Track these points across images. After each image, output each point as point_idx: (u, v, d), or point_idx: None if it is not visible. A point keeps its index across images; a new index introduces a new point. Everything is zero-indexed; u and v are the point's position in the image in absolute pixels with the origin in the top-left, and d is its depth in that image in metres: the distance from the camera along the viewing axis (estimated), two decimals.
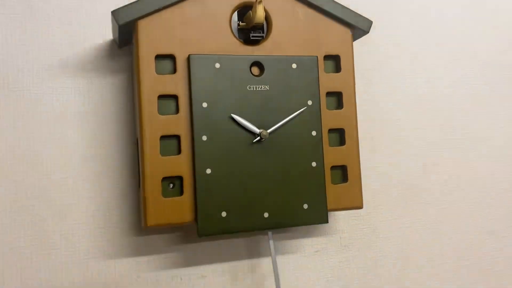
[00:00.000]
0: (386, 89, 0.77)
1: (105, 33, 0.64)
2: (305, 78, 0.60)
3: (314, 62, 0.61)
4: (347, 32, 0.64)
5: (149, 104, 0.55)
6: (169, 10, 0.56)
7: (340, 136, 0.63)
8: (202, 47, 0.57)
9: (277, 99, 0.59)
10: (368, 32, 0.64)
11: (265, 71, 0.59)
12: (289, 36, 0.61)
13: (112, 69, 0.64)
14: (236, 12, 0.60)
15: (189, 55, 0.56)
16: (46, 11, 0.63)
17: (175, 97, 0.57)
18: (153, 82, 0.55)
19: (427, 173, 0.78)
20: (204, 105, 0.56)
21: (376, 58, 0.77)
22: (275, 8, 0.61)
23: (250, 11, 0.57)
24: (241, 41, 0.59)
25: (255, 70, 0.60)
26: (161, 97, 0.56)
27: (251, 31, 0.59)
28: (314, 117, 0.60)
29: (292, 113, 0.59)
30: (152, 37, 0.55)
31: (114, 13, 0.54)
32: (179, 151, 0.56)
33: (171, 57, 0.57)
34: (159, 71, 0.56)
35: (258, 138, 0.57)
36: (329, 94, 0.63)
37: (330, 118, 0.62)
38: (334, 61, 0.64)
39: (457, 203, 0.79)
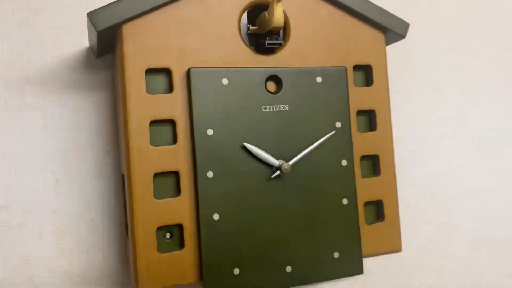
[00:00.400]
0: (417, 105, 0.66)
1: (81, 39, 0.52)
2: (332, 95, 0.49)
3: (343, 74, 0.49)
4: (379, 37, 0.52)
5: (139, 132, 0.43)
6: (162, 12, 0.44)
7: (373, 164, 0.52)
8: (205, 58, 0.45)
9: (299, 122, 0.47)
10: (404, 37, 0.52)
11: (283, 87, 0.47)
12: (311, 42, 0.49)
13: (88, 86, 0.51)
14: (245, 14, 0.48)
15: (189, 69, 0.44)
16: (4, 9, 0.50)
17: (171, 123, 0.44)
18: (143, 104, 0.43)
19: (466, 207, 0.67)
20: (209, 132, 0.44)
21: (405, 66, 0.66)
22: (293, 8, 0.49)
23: (265, 12, 0.45)
24: (252, 50, 0.47)
25: (271, 86, 0.48)
26: (154, 123, 0.44)
27: (266, 37, 0.47)
28: (344, 143, 0.49)
29: (318, 139, 0.47)
30: (141, 46, 0.43)
31: (91, 15, 0.41)
32: (178, 192, 0.44)
33: (166, 72, 0.45)
34: (150, 90, 0.44)
35: (278, 172, 0.45)
36: (360, 113, 0.52)
37: (362, 142, 0.51)
38: (365, 72, 0.52)
39: (493, 238, 0.69)
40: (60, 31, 0.51)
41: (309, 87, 0.48)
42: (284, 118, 0.47)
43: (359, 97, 0.51)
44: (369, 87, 0.51)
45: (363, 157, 0.51)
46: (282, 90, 0.47)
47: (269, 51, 0.48)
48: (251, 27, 0.48)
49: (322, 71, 0.48)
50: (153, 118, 0.43)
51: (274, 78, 0.47)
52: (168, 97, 0.44)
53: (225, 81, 0.45)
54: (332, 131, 0.48)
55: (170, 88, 0.44)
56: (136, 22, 0.43)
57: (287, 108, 0.47)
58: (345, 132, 0.49)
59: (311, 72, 0.48)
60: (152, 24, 0.43)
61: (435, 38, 0.68)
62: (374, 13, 0.51)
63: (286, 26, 0.49)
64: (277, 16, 0.45)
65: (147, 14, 0.43)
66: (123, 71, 0.43)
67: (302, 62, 0.49)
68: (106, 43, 0.46)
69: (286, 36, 0.48)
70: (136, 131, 0.43)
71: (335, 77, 0.49)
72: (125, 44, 0.43)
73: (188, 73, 0.44)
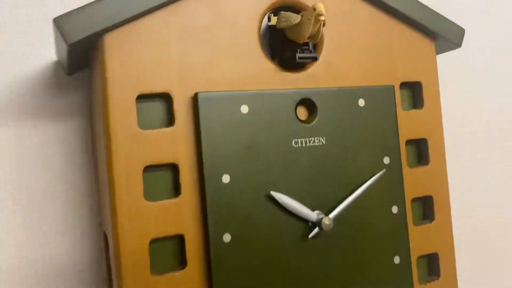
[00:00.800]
0: (467, 130, 0.55)
1: (48, 51, 0.39)
2: (378, 122, 0.38)
3: (390, 95, 0.38)
4: (430, 46, 0.41)
5: (128, 182, 0.31)
6: (158, 17, 0.32)
7: (425, 207, 0.41)
8: (216, 78, 0.33)
9: (339, 160, 0.36)
10: (460, 45, 0.42)
11: (318, 114, 0.36)
12: (350, 53, 0.38)
13: (56, 112, 0.39)
14: (266, 17, 0.37)
15: (195, 94, 0.32)
16: None
17: (173, 168, 0.33)
18: (133, 143, 0.31)
19: None
20: (225, 179, 0.32)
21: (455, 80, 0.55)
22: (326, 10, 0.37)
23: (294, 17, 0.34)
24: (277, 65, 0.35)
25: (303, 112, 0.36)
26: (149, 169, 0.32)
27: (295, 48, 0.36)
28: (394, 184, 0.38)
29: (364, 181, 0.36)
30: (131, 63, 0.31)
31: (60, 22, 0.29)
32: (183, 264, 0.32)
33: (165, 98, 0.33)
34: (144, 124, 0.32)
35: (316, 229, 0.34)
36: (409, 143, 0.41)
37: (412, 180, 0.40)
38: (413, 92, 0.41)
39: None
40: (20, 41, 0.39)
41: (350, 113, 0.37)
42: (320, 155, 0.35)
43: (408, 123, 0.40)
44: (419, 110, 0.41)
45: (414, 199, 0.40)
46: (316, 117, 0.36)
47: (297, 66, 0.36)
48: (272, 17, 0.36)
49: (365, 92, 0.37)
50: (148, 163, 0.31)
51: (306, 103, 0.36)
52: (167, 132, 0.32)
53: (244, 109, 0.33)
54: (380, 169, 0.37)
55: (170, 120, 0.33)
56: (123, 30, 0.31)
57: (324, 142, 0.36)
58: (395, 170, 0.38)
59: (352, 93, 0.37)
60: (145, 33, 0.32)
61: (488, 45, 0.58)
62: (424, 16, 0.40)
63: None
64: (316, 32, 0.34)
65: (138, 20, 0.32)
66: (106, 98, 0.31)
67: (339, 80, 0.37)
68: (82, 57, 0.34)
69: (317, 45, 0.37)
70: (124, 181, 0.31)
71: (381, 99, 0.38)
72: (108, 62, 0.31)
73: (195, 99, 0.32)
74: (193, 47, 0.33)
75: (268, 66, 0.35)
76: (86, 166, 0.40)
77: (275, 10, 0.36)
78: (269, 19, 0.36)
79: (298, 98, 0.35)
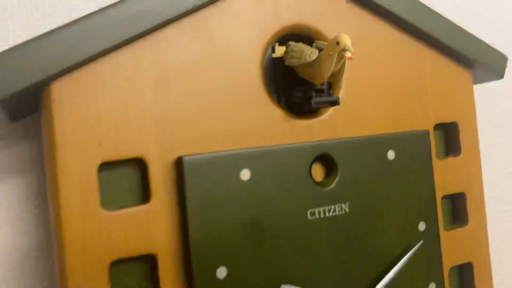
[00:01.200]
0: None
1: None
2: (411, 178, 0.30)
3: (425, 142, 0.30)
4: (466, 77, 0.34)
5: (87, 283, 0.22)
6: (126, 53, 0.23)
7: (462, 277, 0.34)
8: (207, 133, 0.25)
9: (366, 232, 0.28)
10: (502, 77, 0.34)
11: (339, 173, 0.28)
12: (374, 93, 0.30)
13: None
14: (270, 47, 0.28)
15: (179, 158, 0.24)
16: None
17: (149, 260, 0.24)
18: (94, 231, 0.22)
19: None
20: (221, 273, 0.24)
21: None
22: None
23: (304, 51, 0.26)
24: (284, 111, 0.27)
25: (319, 171, 0.28)
26: (118, 263, 0.23)
27: (310, 89, 0.27)
28: (431, 255, 0.30)
29: (397, 258, 0.29)
30: (89, 121, 0.23)
31: None
32: None
33: (138, 165, 0.24)
34: (109, 202, 0.24)
35: None
36: (444, 198, 0.33)
37: (449, 246, 0.32)
38: (448, 134, 0.34)
39: None
40: None
41: (377, 169, 0.29)
42: (343, 228, 0.27)
43: (444, 175, 0.32)
44: (456, 157, 0.33)
45: (451, 268, 0.33)
46: (337, 178, 0.27)
47: (311, 111, 0.28)
48: (277, 47, 0.28)
49: (395, 141, 0.29)
50: (115, 257, 0.23)
51: (323, 159, 0.28)
52: (141, 212, 0.23)
53: (245, 174, 0.25)
54: (415, 238, 0.29)
55: (144, 195, 0.24)
56: (77, 75, 0.22)
57: (347, 210, 0.28)
58: (433, 238, 0.30)
59: (379, 144, 0.29)
60: (108, 79, 0.23)
61: None
62: (461, 41, 0.32)
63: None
64: (338, 71, 0.26)
65: (98, 60, 0.23)
66: (54, 170, 0.22)
67: (362, 126, 0.29)
68: (27, 103, 0.26)
69: (334, 83, 0.29)
70: (81, 282, 0.22)
71: (414, 148, 0.30)
72: (57, 121, 0.22)
73: (178, 164, 0.24)
74: (175, 93, 0.24)
75: (274, 113, 0.27)
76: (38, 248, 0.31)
77: (281, 39, 0.28)
78: (273, 50, 0.28)
79: (313, 155, 0.27)
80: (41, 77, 0.21)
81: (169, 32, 0.24)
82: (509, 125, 0.48)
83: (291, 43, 0.27)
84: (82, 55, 0.22)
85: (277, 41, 0.28)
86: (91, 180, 0.22)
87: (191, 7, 0.24)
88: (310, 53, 0.25)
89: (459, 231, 0.33)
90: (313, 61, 0.25)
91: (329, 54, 0.25)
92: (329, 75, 0.25)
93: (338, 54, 0.24)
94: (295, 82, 0.28)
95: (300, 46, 0.26)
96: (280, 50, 0.28)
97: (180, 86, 0.24)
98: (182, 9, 0.24)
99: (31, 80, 0.21)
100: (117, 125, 0.23)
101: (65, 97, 0.22)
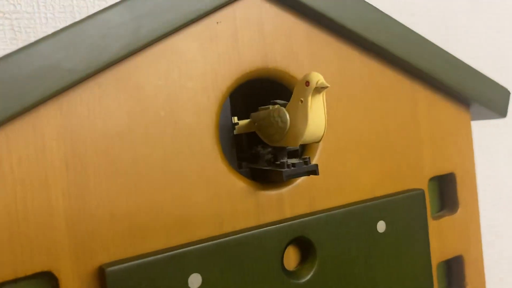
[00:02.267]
0: None
1: None
2: (404, 250, 0.24)
3: (421, 204, 0.25)
4: (464, 118, 0.28)
5: None
6: (20, 128, 0.17)
7: None
8: (139, 228, 0.18)
9: None
10: (504, 115, 0.29)
11: (318, 259, 0.22)
12: (357, 148, 0.24)
13: None
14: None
15: (101, 269, 0.17)
16: None
17: None
18: None
19: None
20: None
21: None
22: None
23: (273, 116, 0.20)
24: (248, 182, 0.21)
25: (292, 259, 0.22)
26: None
27: (281, 155, 0.21)
28: None
29: None
30: None
31: None
32: None
33: (46, 279, 0.17)
34: None
35: None
36: (439, 265, 0.28)
37: None
38: (443, 189, 0.28)
39: None
40: None
41: (365, 247, 0.23)
42: None
43: (439, 237, 0.27)
44: (453, 215, 0.28)
45: None
46: (315, 265, 0.22)
47: (278, 177, 0.22)
48: (239, 123, 0.22)
49: (386, 208, 0.24)
50: None
51: (299, 240, 0.22)
52: None
53: (195, 281, 0.19)
54: None
55: None
56: None
57: None
58: None
59: (367, 215, 0.23)
60: None
61: None
62: (458, 75, 0.27)
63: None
64: (318, 119, 0.19)
65: None
66: None
67: (345, 192, 0.23)
68: None
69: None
70: None
71: (408, 214, 0.24)
72: None
73: (100, 277, 0.17)
74: (94, 178, 0.18)
75: (234, 187, 0.20)
76: None
77: (239, 88, 0.22)
78: (233, 124, 0.22)
79: (286, 241, 0.21)
80: None
81: (83, 93, 0.17)
82: None
83: (254, 115, 0.21)
84: None
85: (234, 115, 0.22)
86: None
87: (115, 58, 0.17)
88: (277, 115, 0.19)
89: None
90: (271, 117, 0.19)
91: (301, 101, 0.19)
92: (307, 128, 0.19)
93: (312, 94, 0.18)
94: (260, 142, 0.22)
95: (261, 113, 0.20)
96: (242, 126, 0.22)
97: (102, 167, 0.18)
98: (100, 62, 0.17)
99: None
100: (11, 232, 0.16)
101: None
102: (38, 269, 0.17)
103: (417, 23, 0.42)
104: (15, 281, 0.17)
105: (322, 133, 0.20)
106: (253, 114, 0.22)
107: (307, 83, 0.19)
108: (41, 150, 0.17)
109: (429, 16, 0.43)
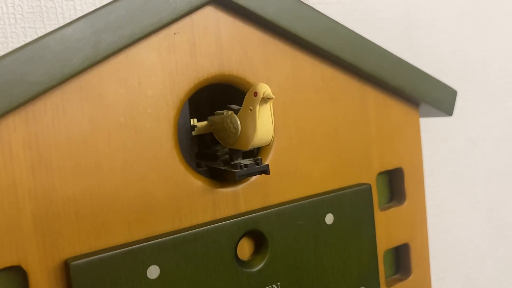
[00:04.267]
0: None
1: None
2: (351, 242, 0.26)
3: (367, 198, 0.27)
4: (413, 117, 0.30)
5: None
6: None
7: None
8: (102, 224, 0.20)
9: None
10: (450, 114, 0.31)
11: (269, 250, 0.24)
12: (308, 145, 0.26)
13: None
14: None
15: (66, 263, 0.19)
16: None
17: None
18: None
19: None
20: None
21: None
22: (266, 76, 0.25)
23: (226, 122, 0.21)
24: (205, 180, 0.23)
25: (246, 250, 0.24)
26: None
27: (236, 156, 0.23)
28: None
29: None
30: None
31: None
32: None
33: (15, 271, 0.19)
34: None
35: None
36: (387, 253, 0.30)
37: None
38: (391, 180, 0.31)
39: None
40: None
41: (313, 238, 0.25)
42: None
43: (387, 227, 0.29)
44: (400, 207, 0.30)
45: None
46: (267, 255, 0.24)
47: (232, 177, 0.24)
48: (198, 125, 0.24)
49: (334, 202, 0.26)
50: None
51: (252, 233, 0.24)
52: None
53: (153, 272, 0.20)
54: None
55: None
56: None
57: None
58: None
59: (315, 208, 0.25)
60: None
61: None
62: (406, 77, 0.29)
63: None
64: (266, 126, 0.21)
65: None
66: None
67: (295, 186, 0.25)
68: None
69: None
70: None
71: (355, 207, 0.27)
72: None
73: (65, 270, 0.19)
74: (59, 178, 0.19)
75: (191, 185, 0.22)
76: None
77: (197, 93, 0.23)
78: (191, 126, 0.24)
79: (240, 234, 0.23)
80: None
81: (48, 103, 0.19)
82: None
83: (210, 119, 0.23)
84: None
85: (193, 117, 0.23)
86: None
87: (77, 70, 0.19)
88: (230, 121, 0.21)
89: (402, 285, 0.30)
90: (225, 122, 0.21)
91: (250, 110, 0.21)
92: (255, 134, 0.21)
93: (259, 104, 0.20)
94: (215, 142, 0.24)
95: (216, 118, 0.22)
96: (201, 128, 0.24)
97: (66, 170, 0.19)
98: (62, 74, 0.18)
99: None
100: None
101: None
102: (8, 263, 0.18)
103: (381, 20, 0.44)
104: None
105: (271, 138, 0.21)
106: (209, 118, 0.23)
107: (255, 94, 0.21)
108: (9, 156, 0.18)
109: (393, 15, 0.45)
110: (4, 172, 0.18)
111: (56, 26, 0.29)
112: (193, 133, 0.24)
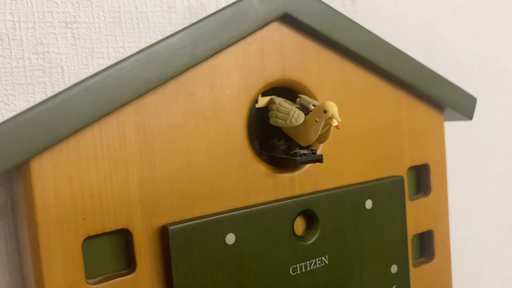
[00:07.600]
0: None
1: None
2: (385, 224, 0.31)
3: (400, 189, 0.31)
4: (438, 119, 0.35)
5: None
6: (108, 122, 0.22)
7: None
8: (191, 196, 0.25)
9: (343, 281, 0.29)
10: (471, 118, 0.36)
11: (320, 227, 0.28)
12: (352, 140, 0.30)
13: None
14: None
15: (164, 227, 0.23)
16: None
17: None
18: None
19: None
20: None
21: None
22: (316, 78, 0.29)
23: (290, 113, 0.26)
24: (268, 166, 0.27)
25: (300, 224, 0.29)
26: None
27: (294, 146, 0.27)
28: None
29: None
30: (72, 195, 0.22)
31: None
32: None
33: (122, 233, 0.24)
34: (94, 273, 0.23)
35: None
36: (414, 238, 0.35)
37: (416, 280, 0.34)
38: (419, 175, 0.35)
39: None
40: None
41: (355, 219, 0.29)
42: (323, 280, 0.28)
43: (415, 216, 0.34)
44: (426, 198, 0.34)
45: None
46: (318, 232, 0.28)
47: (289, 165, 0.28)
48: (260, 98, 0.28)
49: (373, 190, 0.30)
50: None
51: (306, 213, 0.28)
52: (126, 283, 0.23)
53: (230, 239, 0.25)
54: (388, 283, 0.31)
55: (129, 265, 0.24)
56: (60, 148, 0.21)
57: (326, 261, 0.28)
58: (403, 279, 0.32)
59: (358, 194, 0.29)
60: (90, 150, 0.22)
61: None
62: (434, 85, 0.33)
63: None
64: (324, 135, 0.26)
65: (80, 131, 0.22)
66: (37, 248, 0.21)
67: (342, 176, 0.30)
68: None
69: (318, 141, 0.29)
70: None
71: (390, 196, 0.31)
72: (38, 201, 0.21)
73: (164, 233, 0.24)
74: (159, 159, 0.24)
75: (258, 170, 0.27)
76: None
77: (264, 92, 0.28)
78: (256, 101, 0.28)
79: (296, 212, 0.27)
80: (22, 159, 0.20)
81: (153, 97, 0.23)
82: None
83: (275, 98, 0.27)
84: (64, 131, 0.21)
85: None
86: (76, 256, 0.22)
87: (178, 72, 0.23)
88: (297, 116, 0.25)
89: (426, 268, 0.34)
90: (300, 124, 0.25)
91: (316, 121, 0.25)
92: (315, 140, 0.25)
93: (325, 122, 0.25)
94: (278, 130, 0.28)
95: (286, 106, 0.26)
96: (262, 102, 0.28)
97: (165, 152, 0.24)
98: (168, 75, 0.23)
99: (11, 163, 0.20)
100: (101, 198, 0.22)
101: (45, 173, 0.21)
102: (119, 226, 0.23)
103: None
104: (103, 234, 0.23)
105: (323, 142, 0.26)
106: (273, 97, 0.27)
107: (325, 111, 0.25)
108: (123, 138, 0.23)
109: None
110: (119, 151, 0.23)
111: (132, 35, 0.34)
112: (256, 105, 0.28)
